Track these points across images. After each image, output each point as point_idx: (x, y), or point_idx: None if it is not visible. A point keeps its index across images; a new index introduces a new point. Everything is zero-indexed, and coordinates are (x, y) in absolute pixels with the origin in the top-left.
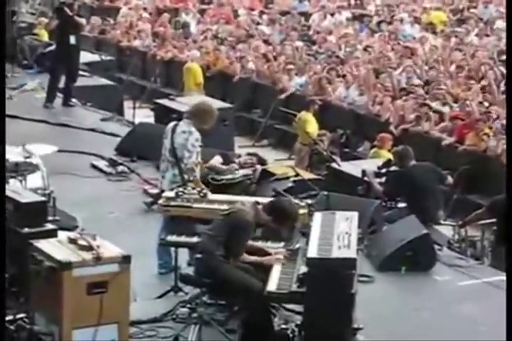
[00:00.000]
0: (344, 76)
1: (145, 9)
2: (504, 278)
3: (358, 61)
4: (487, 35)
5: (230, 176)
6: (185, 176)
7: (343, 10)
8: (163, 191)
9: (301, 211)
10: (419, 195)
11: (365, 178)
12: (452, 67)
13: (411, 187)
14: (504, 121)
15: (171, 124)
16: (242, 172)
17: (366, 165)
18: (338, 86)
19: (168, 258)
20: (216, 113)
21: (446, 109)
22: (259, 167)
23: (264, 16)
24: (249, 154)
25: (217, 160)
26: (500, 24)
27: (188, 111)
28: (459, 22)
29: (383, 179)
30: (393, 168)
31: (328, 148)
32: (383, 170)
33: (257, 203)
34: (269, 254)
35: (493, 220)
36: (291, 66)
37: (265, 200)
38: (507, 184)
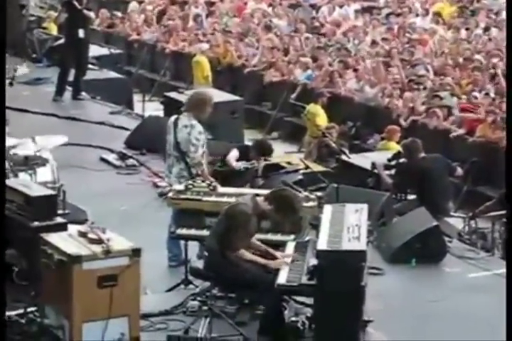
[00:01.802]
0: (356, 70)
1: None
2: None
3: (367, 53)
4: (496, 27)
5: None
6: (193, 170)
7: (352, 2)
8: (171, 186)
9: (311, 203)
10: (428, 186)
11: (375, 171)
12: (461, 59)
13: (420, 179)
14: None
15: (172, 119)
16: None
17: (376, 157)
18: (348, 78)
19: (177, 251)
20: (212, 100)
21: (454, 100)
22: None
23: (275, 9)
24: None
25: (233, 156)
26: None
27: (185, 104)
28: (469, 13)
29: (393, 171)
30: (402, 160)
31: (337, 140)
32: (393, 163)
33: (257, 195)
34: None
35: (504, 212)
36: (305, 59)
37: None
38: (506, 185)
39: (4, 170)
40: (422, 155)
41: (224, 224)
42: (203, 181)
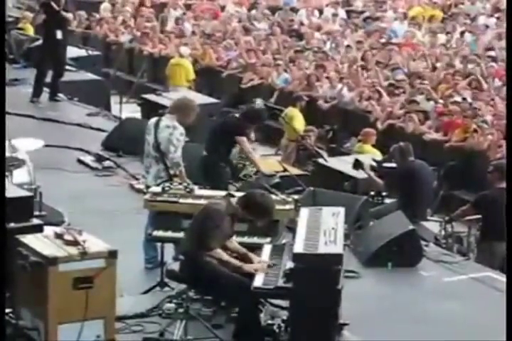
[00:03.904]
0: (328, 78)
1: (133, 3)
2: (491, 273)
3: (345, 57)
4: (471, 32)
5: None
6: (171, 171)
7: (331, 5)
8: (148, 187)
9: (288, 206)
10: (417, 189)
11: (360, 170)
12: (438, 64)
13: (410, 182)
14: (489, 117)
15: (153, 120)
16: None
17: (352, 160)
18: (325, 82)
19: (154, 253)
20: (197, 107)
21: (430, 104)
22: None
23: (253, 11)
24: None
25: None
26: (483, 20)
27: (170, 106)
28: (447, 18)
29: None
30: (388, 164)
31: (315, 143)
32: (385, 165)
33: (230, 195)
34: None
35: (479, 216)
36: (279, 62)
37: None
38: (507, 186)
39: (4, 169)
40: (412, 158)
41: (198, 224)
42: (180, 183)
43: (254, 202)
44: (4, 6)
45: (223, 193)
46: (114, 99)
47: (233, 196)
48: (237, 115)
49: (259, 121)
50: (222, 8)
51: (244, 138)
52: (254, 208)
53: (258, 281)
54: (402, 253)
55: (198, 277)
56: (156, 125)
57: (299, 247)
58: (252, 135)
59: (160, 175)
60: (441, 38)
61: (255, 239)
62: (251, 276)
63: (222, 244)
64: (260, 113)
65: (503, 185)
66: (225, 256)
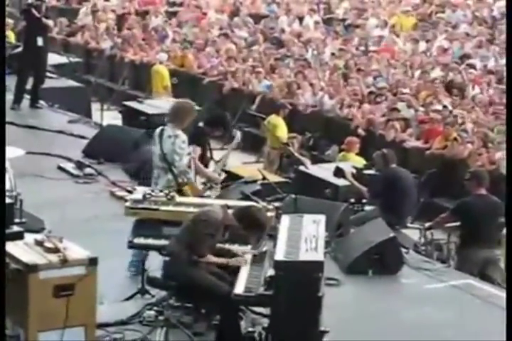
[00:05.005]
0: (311, 84)
1: (113, 11)
2: (471, 281)
3: (326, 65)
4: (453, 40)
5: None
6: (179, 179)
7: (312, 13)
8: None
9: (269, 214)
10: (401, 197)
11: (341, 178)
12: (419, 71)
13: (396, 189)
14: (470, 125)
15: (158, 130)
16: None
17: (333, 168)
18: (306, 90)
19: (140, 257)
20: (193, 109)
21: (411, 112)
22: None
23: (235, 19)
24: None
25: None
26: (464, 28)
27: (168, 114)
28: (427, 26)
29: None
30: (367, 171)
31: (298, 151)
32: (365, 172)
33: (227, 206)
34: (237, 256)
35: (458, 223)
36: (260, 69)
37: (234, 203)
38: (507, 188)
39: (4, 178)
40: (394, 165)
41: (194, 229)
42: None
43: (250, 217)
44: (4, 8)
45: (205, 200)
46: (95, 106)
47: (229, 207)
48: (200, 124)
49: (222, 126)
50: (204, 15)
51: (197, 149)
52: (250, 222)
53: (239, 288)
54: (382, 261)
55: (180, 280)
56: (160, 135)
57: (279, 254)
58: (236, 142)
59: (170, 185)
60: (422, 45)
61: (236, 247)
62: (232, 283)
63: (211, 251)
64: (222, 117)
65: (481, 191)
66: (214, 259)
